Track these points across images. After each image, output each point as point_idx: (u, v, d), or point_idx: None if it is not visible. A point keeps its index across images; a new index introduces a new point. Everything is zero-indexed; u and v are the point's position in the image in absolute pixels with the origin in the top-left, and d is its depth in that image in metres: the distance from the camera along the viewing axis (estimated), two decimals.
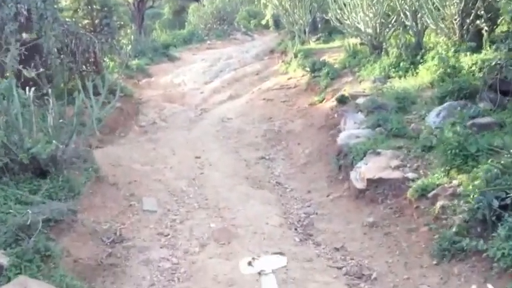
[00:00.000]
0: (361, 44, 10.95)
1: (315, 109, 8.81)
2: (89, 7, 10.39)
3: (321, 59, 10.67)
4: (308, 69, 10.58)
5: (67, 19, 9.51)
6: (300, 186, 5.99)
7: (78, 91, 5.67)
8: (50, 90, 5.55)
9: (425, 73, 7.92)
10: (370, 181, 5.16)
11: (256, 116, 9.42)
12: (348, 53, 10.65)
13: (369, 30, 9.85)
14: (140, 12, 20.13)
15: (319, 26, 14.82)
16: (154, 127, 9.18)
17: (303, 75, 11.30)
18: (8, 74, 6.31)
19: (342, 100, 7.85)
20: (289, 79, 11.50)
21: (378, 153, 5.56)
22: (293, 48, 12.90)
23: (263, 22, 17.52)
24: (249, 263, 3.22)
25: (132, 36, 12.51)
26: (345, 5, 10.40)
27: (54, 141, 5.01)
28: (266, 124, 8.88)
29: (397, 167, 5.24)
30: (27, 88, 5.50)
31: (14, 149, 5.09)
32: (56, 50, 7.84)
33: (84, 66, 9.61)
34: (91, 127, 5.67)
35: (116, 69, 11.85)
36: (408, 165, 5.25)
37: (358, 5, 9.91)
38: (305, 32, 13.87)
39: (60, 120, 5.94)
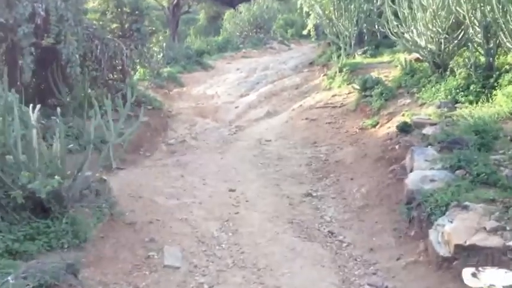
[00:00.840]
0: (417, 60, 9.70)
1: (367, 135, 7.59)
2: (119, 10, 9.49)
3: (373, 76, 9.43)
4: (358, 86, 9.37)
5: (94, 22, 8.63)
6: (359, 240, 4.78)
7: (94, 110, 4.65)
8: (58, 109, 4.52)
9: (505, 100, 6.63)
10: (459, 247, 3.93)
11: (298, 139, 8.29)
12: (403, 70, 9.39)
13: (431, 46, 8.56)
14: (175, 17, 19.48)
15: (366, 38, 13.59)
16: (183, 146, 8.17)
17: (349, 93, 10.11)
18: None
19: (404, 128, 6.62)
20: (333, 96, 10.33)
21: (465, 208, 4.32)
22: (338, 62, 11.72)
23: (304, 32, 16.37)
24: (473, 275, 3.03)
25: (164, 44, 11.57)
26: (402, 16, 9.14)
27: (56, 177, 3.99)
28: (310, 150, 7.73)
29: (493, 230, 3.99)
30: (31, 105, 4.51)
31: (8, 182, 4.12)
32: (77, 56, 6.90)
33: (110, 75, 8.74)
34: (107, 156, 4.65)
35: (146, 78, 10.97)
36: (508, 227, 4.00)
37: (419, 18, 8.62)
38: (351, 45, 12.67)
39: (71, 145, 4.98)
